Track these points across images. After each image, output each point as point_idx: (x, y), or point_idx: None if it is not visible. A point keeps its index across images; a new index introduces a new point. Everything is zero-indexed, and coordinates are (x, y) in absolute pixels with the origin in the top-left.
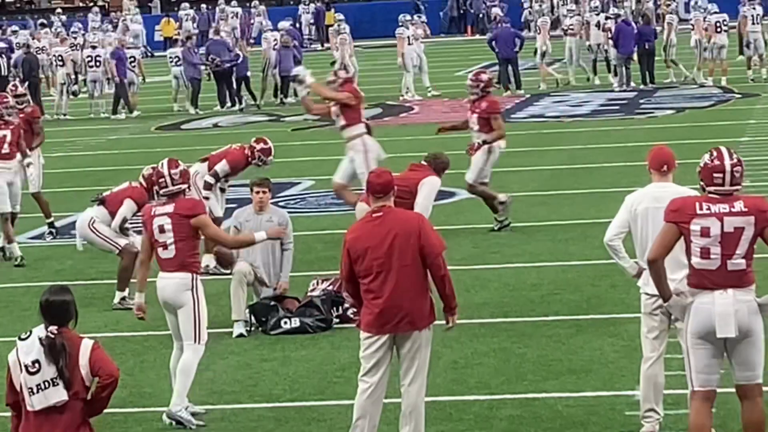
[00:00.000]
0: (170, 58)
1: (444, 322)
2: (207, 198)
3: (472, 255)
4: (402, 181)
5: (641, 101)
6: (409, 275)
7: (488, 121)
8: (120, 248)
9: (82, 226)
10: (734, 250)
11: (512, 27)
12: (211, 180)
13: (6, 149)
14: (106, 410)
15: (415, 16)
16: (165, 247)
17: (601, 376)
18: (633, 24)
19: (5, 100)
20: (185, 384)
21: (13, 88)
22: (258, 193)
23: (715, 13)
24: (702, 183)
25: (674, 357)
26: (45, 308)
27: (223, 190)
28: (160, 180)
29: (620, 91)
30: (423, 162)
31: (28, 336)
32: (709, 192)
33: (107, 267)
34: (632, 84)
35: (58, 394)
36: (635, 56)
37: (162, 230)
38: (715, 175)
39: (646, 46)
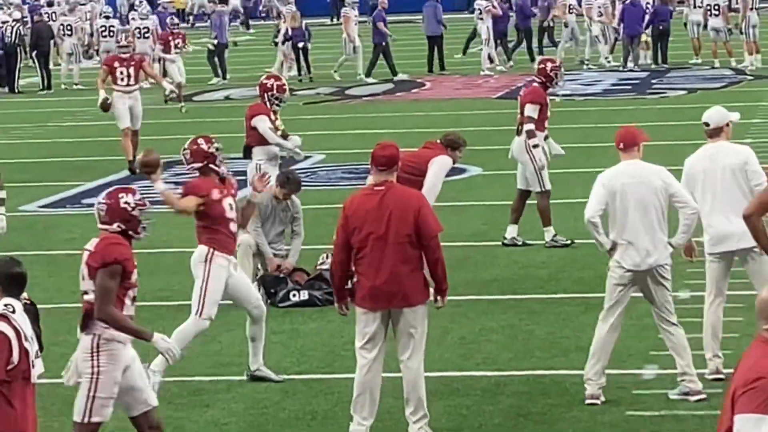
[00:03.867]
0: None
1: (434, 300)
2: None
3: (482, 231)
4: (414, 159)
5: (653, 81)
6: (403, 252)
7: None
8: None
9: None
10: None
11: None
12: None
13: None
14: None
15: None
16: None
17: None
18: (642, 4)
19: None
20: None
21: None
22: (286, 195)
23: None
24: None
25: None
26: (18, 279)
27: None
28: (183, 153)
29: (628, 70)
30: (438, 141)
31: (13, 309)
32: None
33: None
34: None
35: (40, 365)
36: (645, 36)
37: None
38: None
39: (661, 27)
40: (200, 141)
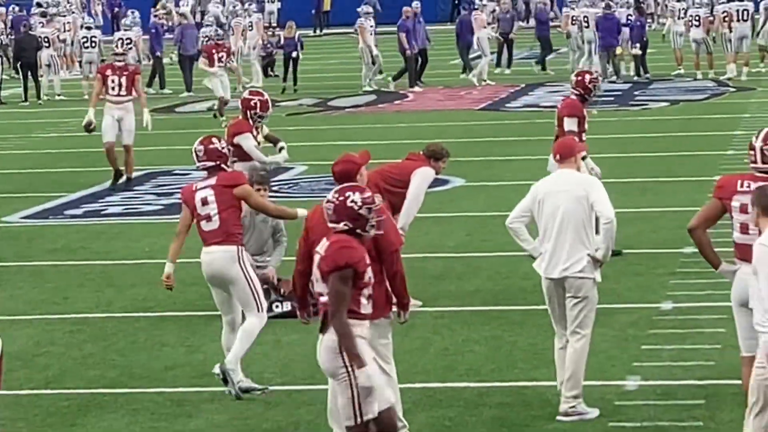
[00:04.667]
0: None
1: (397, 315)
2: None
3: (465, 243)
4: (396, 170)
5: (636, 93)
6: None
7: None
8: None
9: None
10: None
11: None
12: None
13: None
14: (95, 390)
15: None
16: (209, 218)
17: (591, 365)
18: (616, 16)
19: None
20: (244, 347)
21: None
22: (259, 190)
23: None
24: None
25: (663, 348)
26: None
27: None
28: (194, 154)
29: (609, 82)
30: (421, 152)
31: None
32: (751, 170)
33: (100, 247)
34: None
35: None
36: (619, 49)
37: (205, 202)
38: (749, 153)
39: (644, 38)
40: (214, 140)
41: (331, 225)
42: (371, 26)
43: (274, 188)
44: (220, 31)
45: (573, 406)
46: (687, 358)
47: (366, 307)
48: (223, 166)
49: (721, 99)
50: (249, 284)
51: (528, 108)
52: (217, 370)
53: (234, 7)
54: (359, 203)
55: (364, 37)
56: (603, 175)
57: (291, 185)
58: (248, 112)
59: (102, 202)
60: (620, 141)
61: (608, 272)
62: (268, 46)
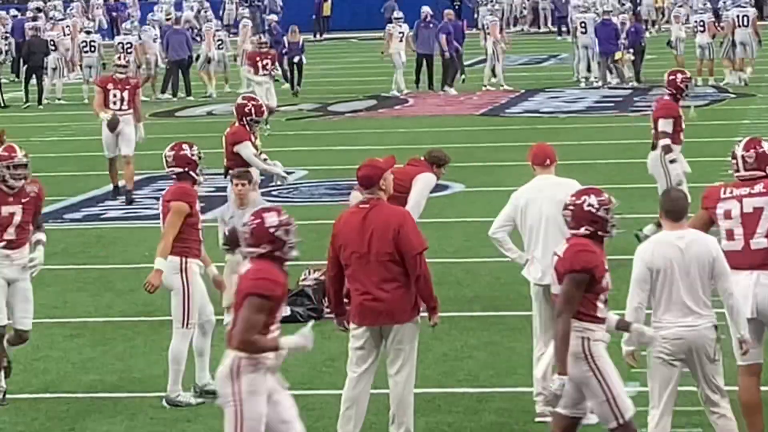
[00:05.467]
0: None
1: (428, 319)
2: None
3: (464, 248)
4: (399, 175)
5: (635, 99)
6: (387, 270)
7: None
8: None
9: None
10: (755, 229)
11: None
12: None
13: None
14: (94, 395)
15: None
16: (161, 230)
17: None
18: (614, 22)
19: None
20: (178, 372)
21: None
22: (237, 185)
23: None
24: None
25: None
26: None
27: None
28: (166, 157)
29: (610, 88)
30: (422, 158)
31: None
32: (735, 178)
33: (99, 251)
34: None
35: None
36: (618, 54)
37: (162, 213)
38: (732, 161)
39: (641, 44)
40: (184, 146)
41: (571, 231)
42: (399, 32)
43: (273, 193)
44: (264, 39)
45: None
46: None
47: (602, 311)
48: (191, 173)
49: (721, 105)
50: (183, 298)
51: (528, 114)
52: (165, 403)
53: (205, 12)
54: (596, 206)
55: (393, 43)
56: (605, 181)
57: (291, 190)
58: (244, 119)
59: (101, 206)
60: (620, 147)
61: None
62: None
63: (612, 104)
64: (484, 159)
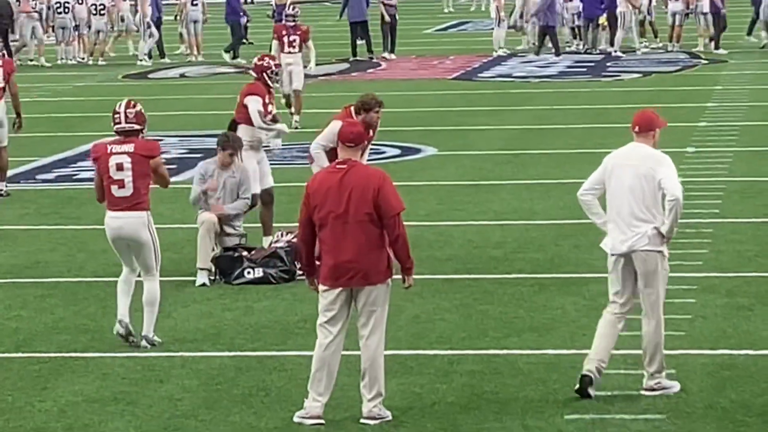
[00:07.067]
0: None
1: (402, 281)
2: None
3: (437, 211)
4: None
5: (608, 64)
6: (364, 231)
7: None
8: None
9: None
10: None
11: None
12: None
13: None
14: (66, 354)
15: None
16: (122, 185)
17: (562, 334)
18: None
19: None
20: (154, 313)
21: None
22: (231, 155)
23: None
24: None
25: (634, 317)
26: None
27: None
28: (115, 116)
29: (585, 53)
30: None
31: None
32: None
33: (71, 212)
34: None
35: None
36: (602, 19)
37: (120, 168)
38: None
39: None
40: (139, 104)
41: None
42: None
43: None
44: (291, 10)
45: (659, 382)
46: None
47: None
48: (143, 131)
49: (694, 71)
50: (154, 249)
51: (501, 78)
52: (144, 343)
53: None
54: None
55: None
56: (577, 145)
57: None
58: (264, 74)
59: (74, 167)
60: (592, 112)
61: (579, 242)
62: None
63: (584, 69)
64: (456, 123)
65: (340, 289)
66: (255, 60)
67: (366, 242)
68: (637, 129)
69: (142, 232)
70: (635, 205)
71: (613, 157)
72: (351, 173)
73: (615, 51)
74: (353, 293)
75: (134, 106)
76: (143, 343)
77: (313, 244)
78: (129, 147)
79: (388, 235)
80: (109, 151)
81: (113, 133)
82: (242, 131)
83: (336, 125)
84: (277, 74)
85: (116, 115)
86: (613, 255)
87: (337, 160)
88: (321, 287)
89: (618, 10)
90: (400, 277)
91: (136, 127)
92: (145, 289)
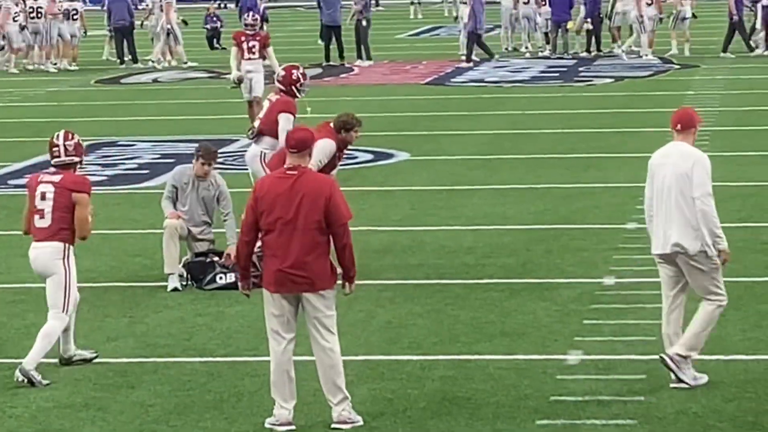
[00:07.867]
0: None
1: (342, 287)
2: None
3: (409, 216)
4: None
5: (580, 69)
6: (311, 238)
7: None
8: None
9: (253, 161)
10: None
11: None
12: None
13: None
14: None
15: None
16: (42, 215)
17: (534, 339)
18: None
19: None
20: (45, 348)
21: None
22: (203, 165)
23: None
24: None
25: (605, 322)
26: None
27: None
28: (53, 149)
29: (556, 58)
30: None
31: None
32: None
33: None
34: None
35: None
36: (587, 25)
37: (43, 197)
38: None
39: (598, 13)
40: (77, 136)
41: None
42: None
43: (219, 160)
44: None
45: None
46: (628, 333)
47: None
48: (81, 163)
49: (666, 76)
50: (65, 283)
51: (473, 83)
52: (18, 374)
53: None
54: None
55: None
56: (549, 150)
57: (236, 157)
58: (293, 87)
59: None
60: (564, 116)
61: (551, 247)
62: (213, 18)
63: (557, 74)
64: (429, 128)
65: (285, 294)
66: (281, 71)
67: (312, 249)
68: (679, 126)
69: (53, 263)
70: (673, 205)
71: (654, 158)
72: (302, 180)
73: (646, 55)
74: (299, 299)
75: (72, 138)
76: (17, 374)
77: (253, 249)
78: (57, 178)
79: (335, 243)
80: (39, 180)
81: (86, 138)
82: (266, 141)
83: (327, 144)
84: (306, 86)
85: (55, 149)
86: (658, 255)
87: (285, 166)
88: (265, 293)
89: (645, 15)
90: (369, 282)
91: (75, 159)
92: (47, 323)
